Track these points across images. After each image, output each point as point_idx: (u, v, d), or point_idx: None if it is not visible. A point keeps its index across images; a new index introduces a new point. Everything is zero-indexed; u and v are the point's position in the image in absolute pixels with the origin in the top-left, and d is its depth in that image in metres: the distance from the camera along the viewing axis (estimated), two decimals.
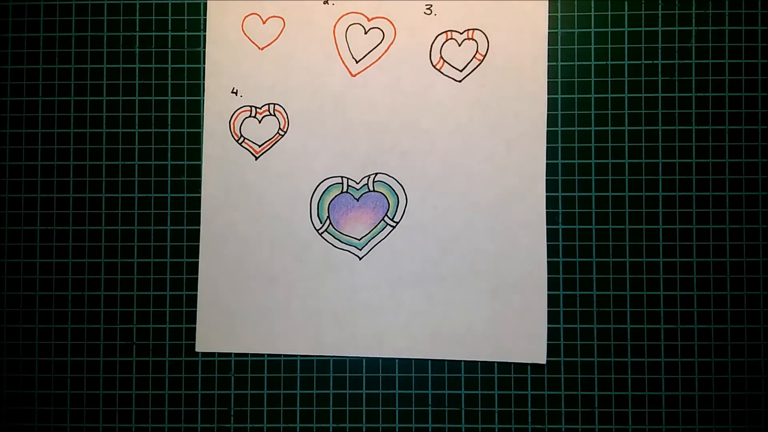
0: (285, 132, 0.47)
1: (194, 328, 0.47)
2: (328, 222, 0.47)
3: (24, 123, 0.48)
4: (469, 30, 0.47)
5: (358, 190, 0.47)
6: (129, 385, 0.47)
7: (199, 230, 0.47)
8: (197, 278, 0.47)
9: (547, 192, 0.46)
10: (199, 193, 0.47)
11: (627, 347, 0.46)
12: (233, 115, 0.48)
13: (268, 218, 0.47)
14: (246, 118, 0.48)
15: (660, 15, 0.47)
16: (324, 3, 0.48)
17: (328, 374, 0.47)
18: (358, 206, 0.47)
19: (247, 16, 0.48)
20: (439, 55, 0.47)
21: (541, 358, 0.46)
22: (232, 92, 0.48)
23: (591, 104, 0.47)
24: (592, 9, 0.47)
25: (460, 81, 0.47)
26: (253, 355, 0.47)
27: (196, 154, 0.47)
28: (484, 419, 0.46)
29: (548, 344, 0.46)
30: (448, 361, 0.46)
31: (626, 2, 0.47)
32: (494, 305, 0.46)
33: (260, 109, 0.48)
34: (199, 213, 0.47)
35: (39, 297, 0.47)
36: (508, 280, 0.46)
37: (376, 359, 0.46)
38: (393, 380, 0.46)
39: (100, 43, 0.48)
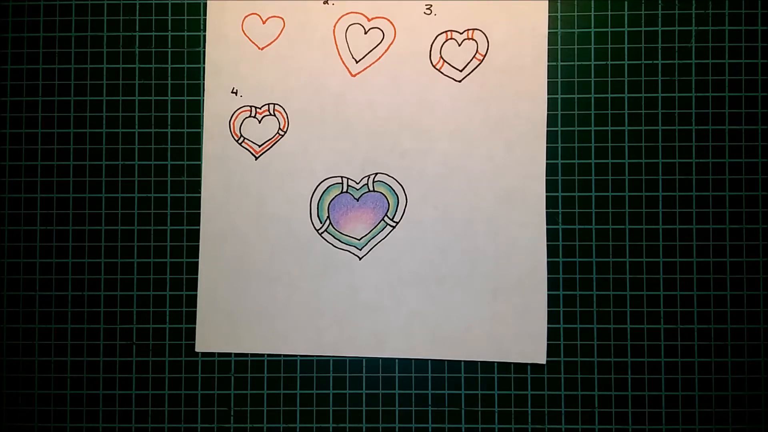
0: (285, 132, 0.47)
1: (194, 328, 0.47)
2: (328, 222, 0.47)
3: (24, 123, 0.48)
4: (469, 30, 0.47)
5: (358, 190, 0.47)
6: (129, 385, 0.47)
7: (199, 230, 0.47)
8: (197, 278, 0.47)
9: (547, 192, 0.46)
10: (199, 193, 0.47)
11: (627, 347, 0.46)
12: (233, 115, 0.48)
13: (268, 218, 0.47)
14: (246, 118, 0.48)
15: (660, 15, 0.47)
16: (324, 3, 0.48)
17: (328, 374, 0.47)
18: (358, 206, 0.47)
19: (247, 16, 0.48)
20: (439, 55, 0.47)
21: (541, 358, 0.46)
22: (232, 92, 0.48)
23: (591, 104, 0.47)
24: (592, 9, 0.47)
25: (460, 81, 0.47)
26: (253, 355, 0.47)
27: (196, 154, 0.47)
28: (484, 419, 0.46)
29: (548, 344, 0.46)
30: (448, 361, 0.46)
31: (626, 2, 0.47)
32: (494, 305, 0.46)
33: (260, 109, 0.48)
34: (199, 213, 0.47)
35: (39, 297, 0.47)
36: (508, 280, 0.46)
37: (376, 359, 0.46)
38: (393, 380, 0.46)
39: (100, 43, 0.48)
